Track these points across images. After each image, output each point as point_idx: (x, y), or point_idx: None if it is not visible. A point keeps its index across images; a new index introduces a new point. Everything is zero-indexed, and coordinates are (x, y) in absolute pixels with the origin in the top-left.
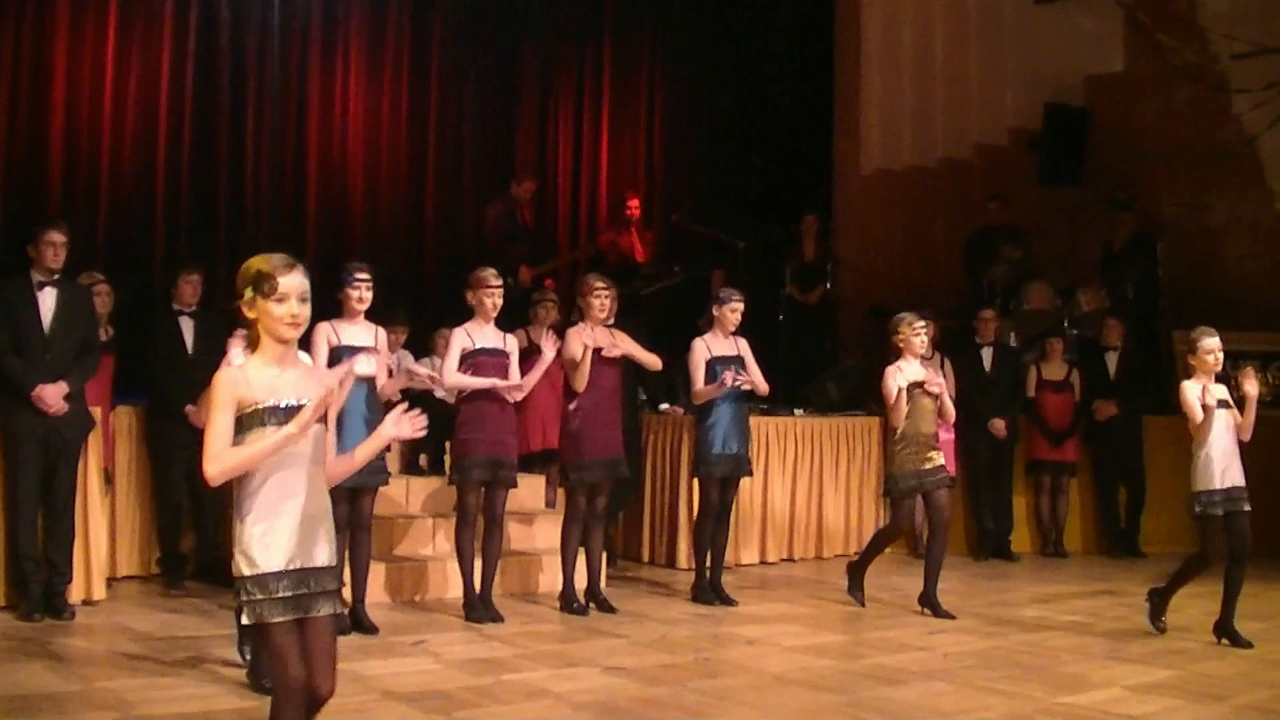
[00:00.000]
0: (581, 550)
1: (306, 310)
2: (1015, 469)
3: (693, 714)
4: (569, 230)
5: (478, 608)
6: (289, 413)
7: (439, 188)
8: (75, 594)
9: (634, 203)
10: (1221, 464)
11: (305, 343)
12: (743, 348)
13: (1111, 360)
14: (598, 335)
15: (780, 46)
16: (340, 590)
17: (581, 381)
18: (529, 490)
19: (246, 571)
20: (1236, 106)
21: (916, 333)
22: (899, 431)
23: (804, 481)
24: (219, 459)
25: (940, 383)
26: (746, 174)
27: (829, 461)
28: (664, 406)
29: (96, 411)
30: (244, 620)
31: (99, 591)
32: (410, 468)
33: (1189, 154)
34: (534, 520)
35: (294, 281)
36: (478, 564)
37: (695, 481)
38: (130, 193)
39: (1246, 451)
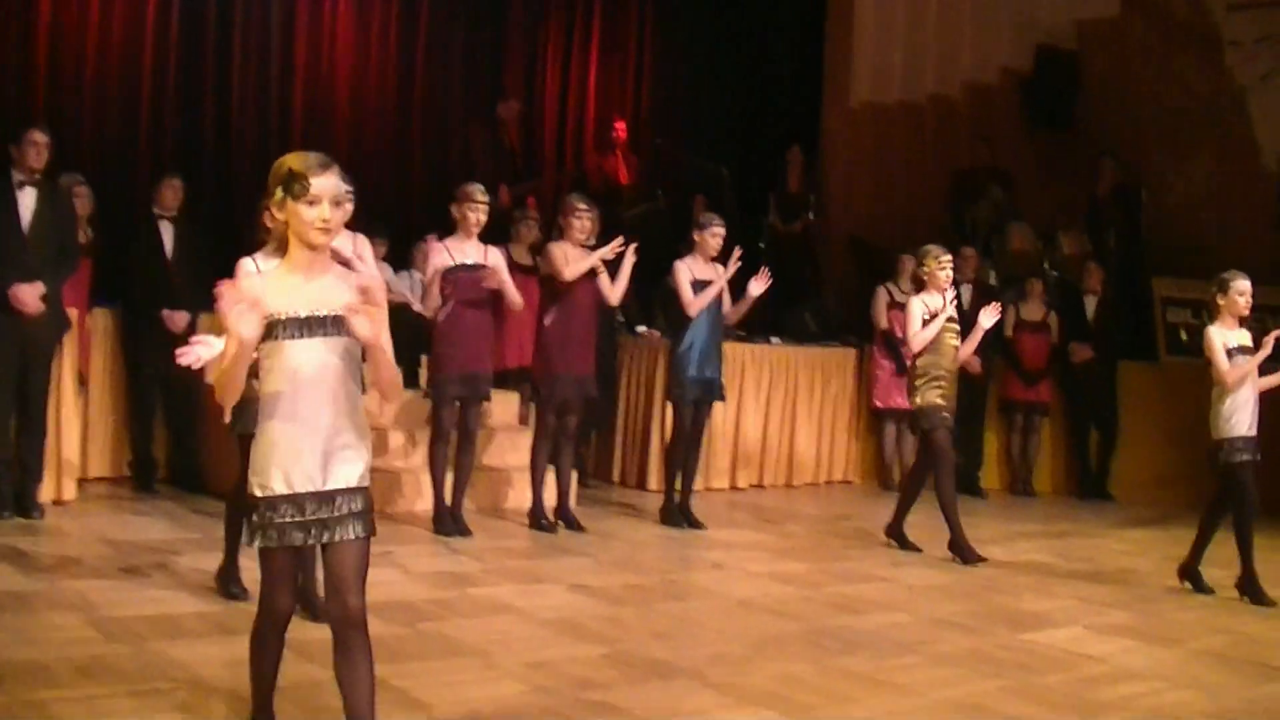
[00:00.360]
0: (552, 468)
1: (340, 215)
2: (988, 407)
3: (656, 635)
4: (555, 152)
5: (446, 522)
6: (309, 325)
7: (426, 106)
8: (45, 494)
9: (620, 126)
10: (1245, 411)
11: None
12: (721, 275)
13: (1090, 305)
14: (577, 255)
15: None
16: (369, 511)
17: (575, 271)
18: (503, 406)
19: (256, 493)
20: (1228, 58)
21: (943, 266)
22: (919, 365)
23: (777, 410)
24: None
25: (983, 323)
26: (735, 102)
27: (804, 391)
28: (641, 329)
29: (73, 314)
30: (244, 541)
31: (69, 492)
32: None
33: (1179, 102)
34: (507, 436)
35: (327, 183)
36: (449, 478)
37: (669, 405)
38: (115, 97)
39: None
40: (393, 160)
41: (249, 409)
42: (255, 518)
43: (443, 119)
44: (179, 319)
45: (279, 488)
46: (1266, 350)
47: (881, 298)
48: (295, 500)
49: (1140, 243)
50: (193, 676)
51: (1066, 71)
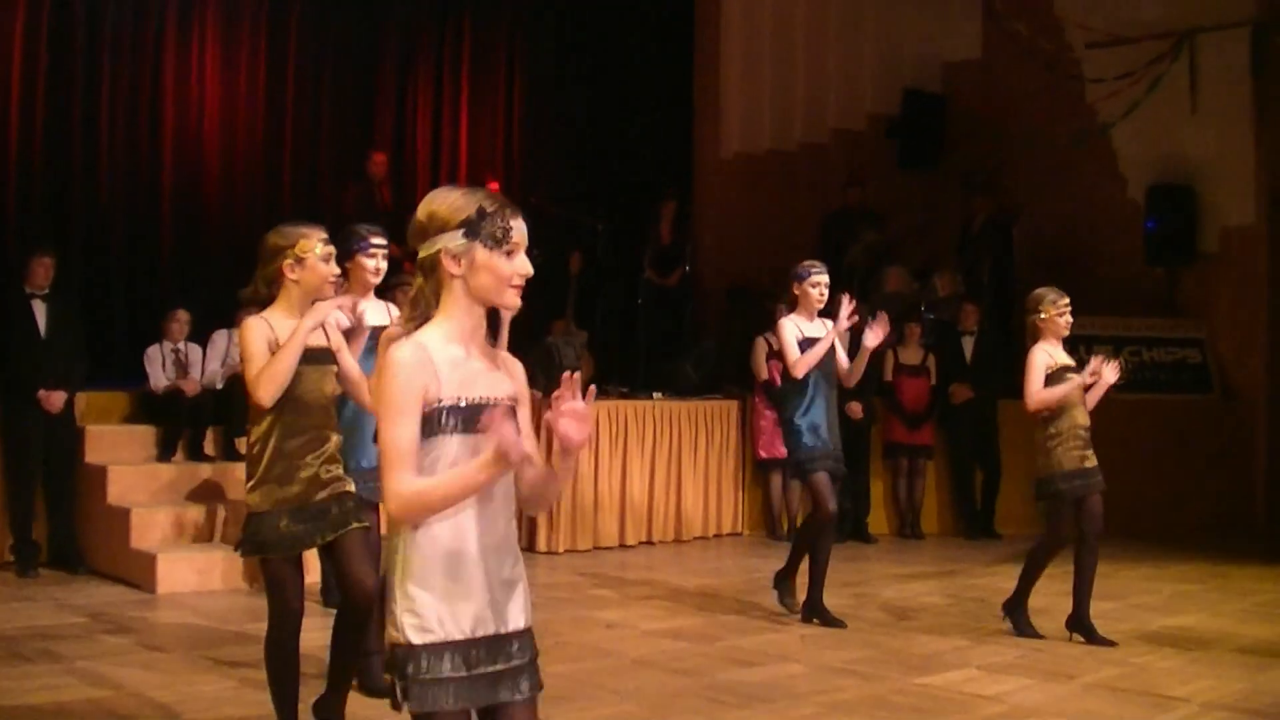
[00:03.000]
0: None
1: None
2: (873, 452)
3: (551, 698)
4: None
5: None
6: (477, 412)
7: (296, 165)
8: None
9: (494, 186)
10: None
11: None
12: (831, 330)
13: (967, 345)
14: None
15: (640, 29)
16: (537, 658)
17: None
18: None
19: (414, 639)
20: (1090, 95)
21: (1062, 312)
22: (1050, 426)
23: (663, 465)
24: (402, 491)
25: (1102, 371)
26: (606, 157)
27: (688, 445)
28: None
29: None
30: (405, 706)
31: None
32: None
33: (1045, 141)
34: None
35: (525, 229)
36: None
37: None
38: None
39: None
40: (264, 221)
41: (264, 522)
42: (412, 670)
43: (312, 178)
44: (56, 399)
45: (443, 631)
46: None
47: (761, 348)
48: (464, 647)
49: (1012, 278)
50: None
51: (933, 113)
